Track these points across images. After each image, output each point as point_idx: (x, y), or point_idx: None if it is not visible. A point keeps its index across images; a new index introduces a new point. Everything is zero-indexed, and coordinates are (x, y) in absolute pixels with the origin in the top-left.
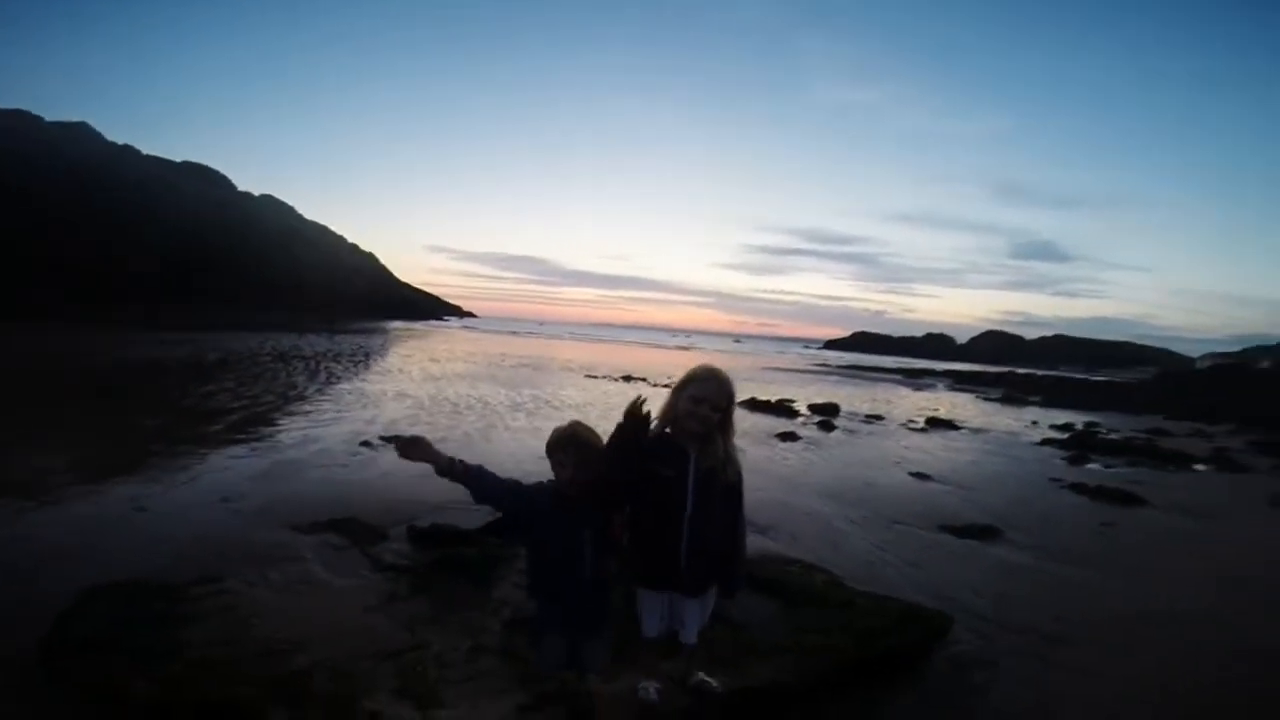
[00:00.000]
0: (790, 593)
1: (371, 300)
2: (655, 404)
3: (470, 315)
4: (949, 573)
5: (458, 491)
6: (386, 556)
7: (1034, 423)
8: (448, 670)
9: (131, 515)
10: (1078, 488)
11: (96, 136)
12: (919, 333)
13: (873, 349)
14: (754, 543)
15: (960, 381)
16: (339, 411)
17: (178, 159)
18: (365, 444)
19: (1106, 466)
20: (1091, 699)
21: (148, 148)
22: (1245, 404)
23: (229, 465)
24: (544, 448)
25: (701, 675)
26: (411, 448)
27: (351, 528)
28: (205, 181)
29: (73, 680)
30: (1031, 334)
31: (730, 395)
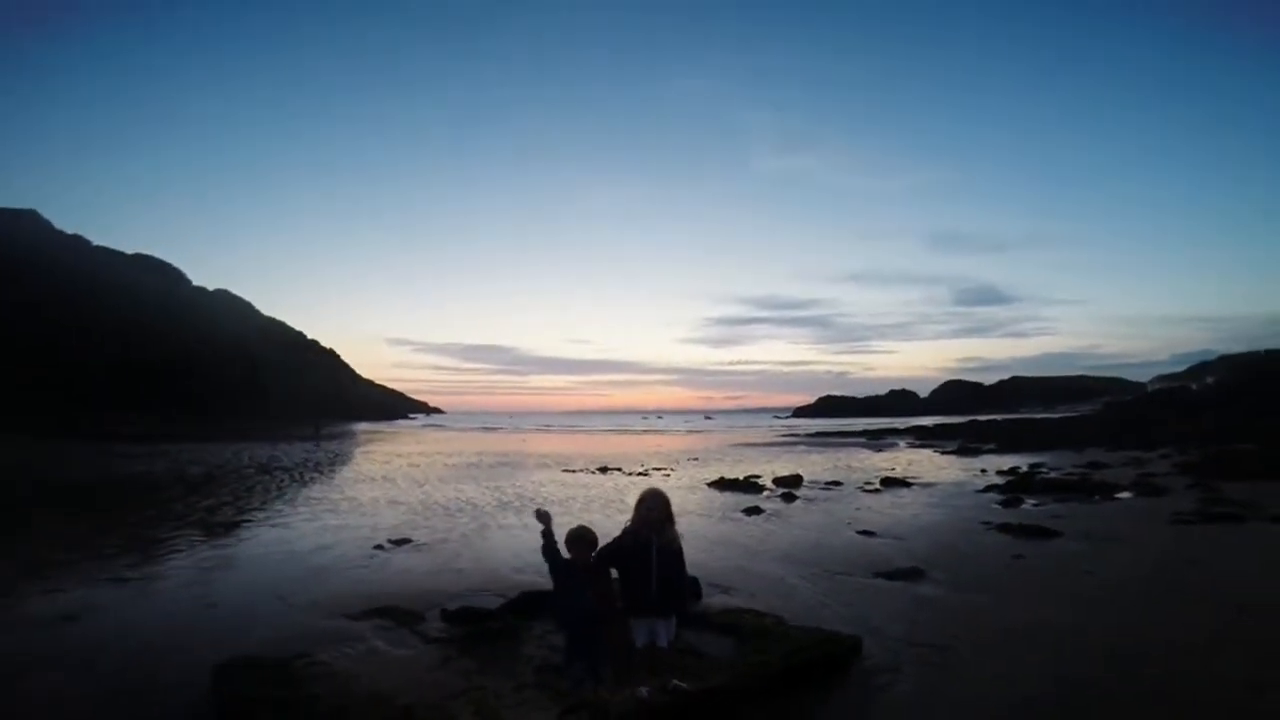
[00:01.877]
0: (743, 632)
1: (336, 402)
2: (634, 492)
3: (437, 411)
4: (875, 608)
5: (464, 583)
6: (430, 633)
7: (982, 470)
8: (503, 700)
9: (205, 610)
10: (1004, 527)
11: (45, 225)
12: (883, 390)
13: (840, 412)
14: (717, 599)
15: (921, 438)
16: (341, 521)
17: (129, 250)
18: (378, 547)
19: (1037, 505)
20: (962, 694)
21: (98, 238)
22: (1186, 423)
23: (265, 570)
24: (539, 544)
25: (676, 681)
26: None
27: (393, 614)
28: (158, 275)
29: (243, 704)
30: (990, 378)
31: (665, 504)
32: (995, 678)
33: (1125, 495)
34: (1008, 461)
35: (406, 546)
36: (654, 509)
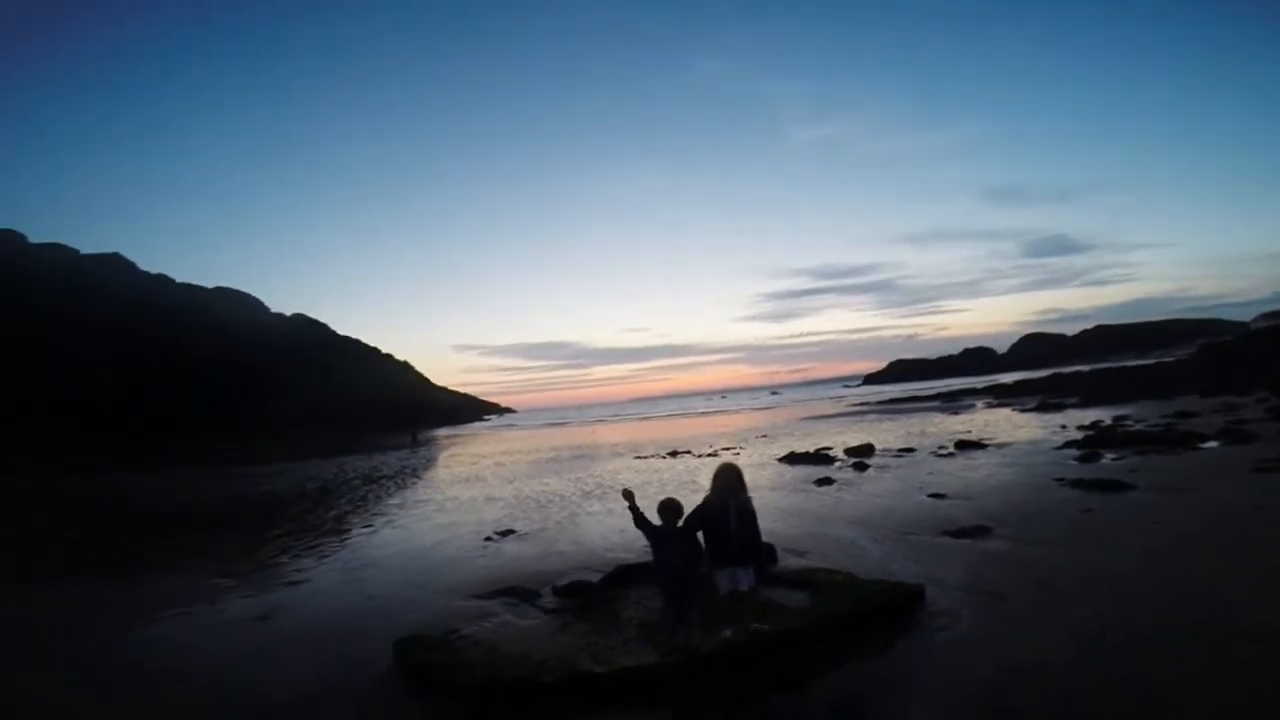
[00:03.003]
0: (816, 585)
1: (414, 409)
2: (705, 472)
3: (509, 411)
4: (940, 563)
5: (567, 563)
6: (547, 605)
7: (1062, 426)
8: (614, 651)
9: (367, 602)
10: (1077, 483)
11: (130, 266)
12: (956, 349)
13: (913, 376)
14: (793, 562)
15: (999, 396)
16: (450, 519)
17: (209, 285)
18: (488, 539)
19: (1115, 459)
20: (1013, 634)
21: (181, 275)
22: None
23: (402, 565)
24: (626, 522)
25: (757, 624)
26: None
27: (514, 592)
28: (239, 305)
29: (417, 671)
30: (1072, 329)
31: (738, 473)
32: (1045, 620)
33: (1211, 445)
34: (1090, 416)
35: (512, 536)
36: (728, 478)
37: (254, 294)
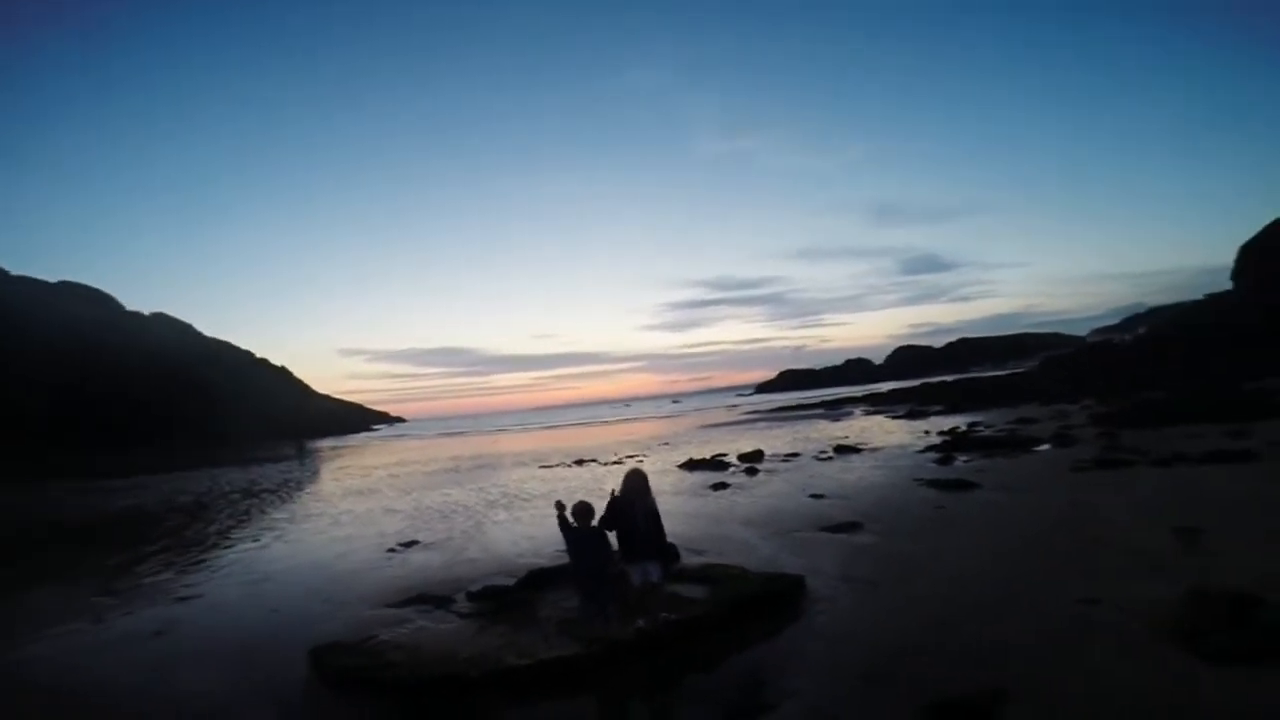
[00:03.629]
0: (713, 579)
1: (293, 419)
2: (611, 480)
3: (400, 420)
4: (819, 555)
5: (478, 570)
6: (462, 610)
7: (926, 432)
8: (536, 646)
9: (270, 615)
10: (933, 483)
11: None
12: (840, 360)
13: (801, 385)
14: (694, 560)
15: (875, 404)
16: (347, 531)
17: (52, 278)
18: (391, 550)
19: (966, 461)
20: (880, 612)
21: (16, 266)
22: (1112, 375)
23: (301, 578)
24: (535, 530)
25: (665, 614)
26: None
27: (427, 599)
28: (89, 302)
29: (339, 676)
30: (939, 341)
31: (643, 477)
32: (906, 602)
33: (1044, 448)
34: (950, 422)
35: (416, 546)
36: (635, 482)
37: (107, 290)
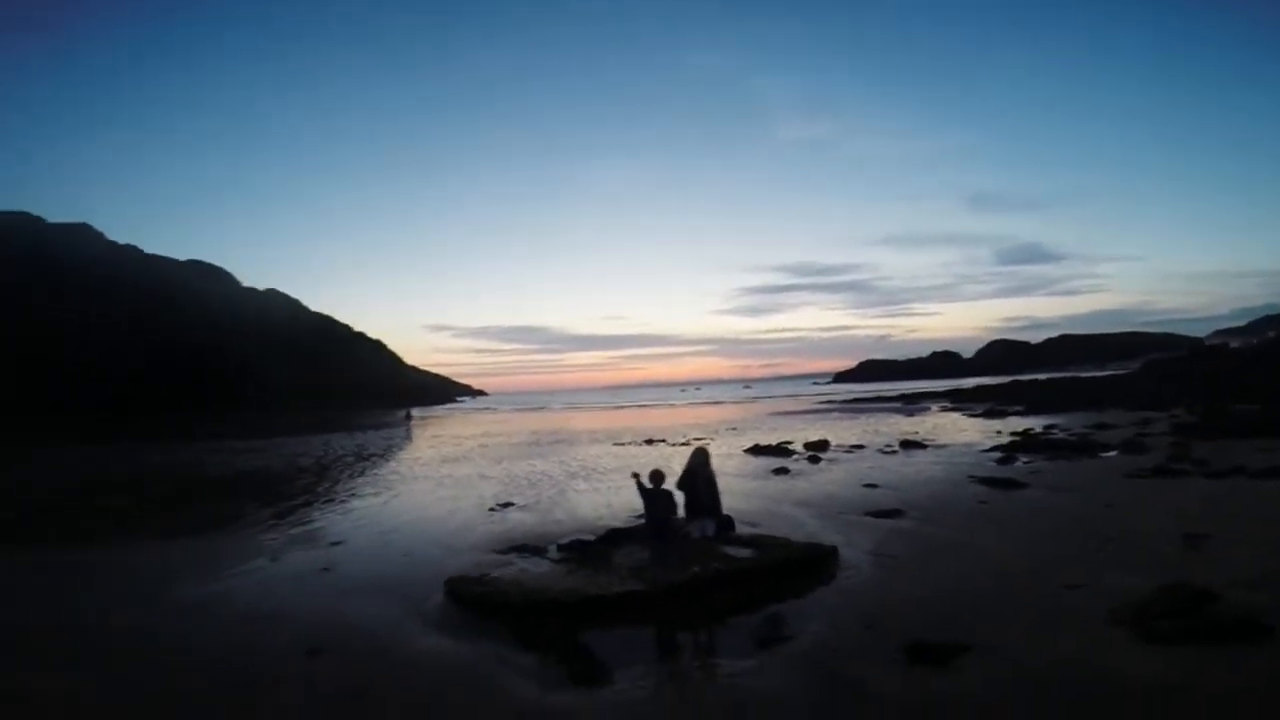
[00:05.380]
0: (760, 545)
1: (387, 388)
2: (679, 458)
3: (481, 393)
4: (858, 534)
5: (564, 528)
6: (554, 558)
7: (998, 432)
8: (612, 584)
9: (404, 558)
10: (985, 480)
11: (98, 237)
12: (926, 352)
13: (881, 376)
14: (746, 530)
15: (956, 401)
16: (452, 493)
17: (181, 257)
18: (491, 509)
19: (1027, 463)
20: (899, 581)
21: (150, 246)
22: (1217, 383)
23: (423, 530)
24: (612, 498)
25: (717, 564)
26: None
27: (524, 549)
28: (210, 279)
29: (467, 601)
30: (1038, 337)
31: (707, 454)
32: (922, 574)
33: (1110, 454)
34: (1028, 423)
35: (512, 507)
36: (699, 457)
37: (226, 268)
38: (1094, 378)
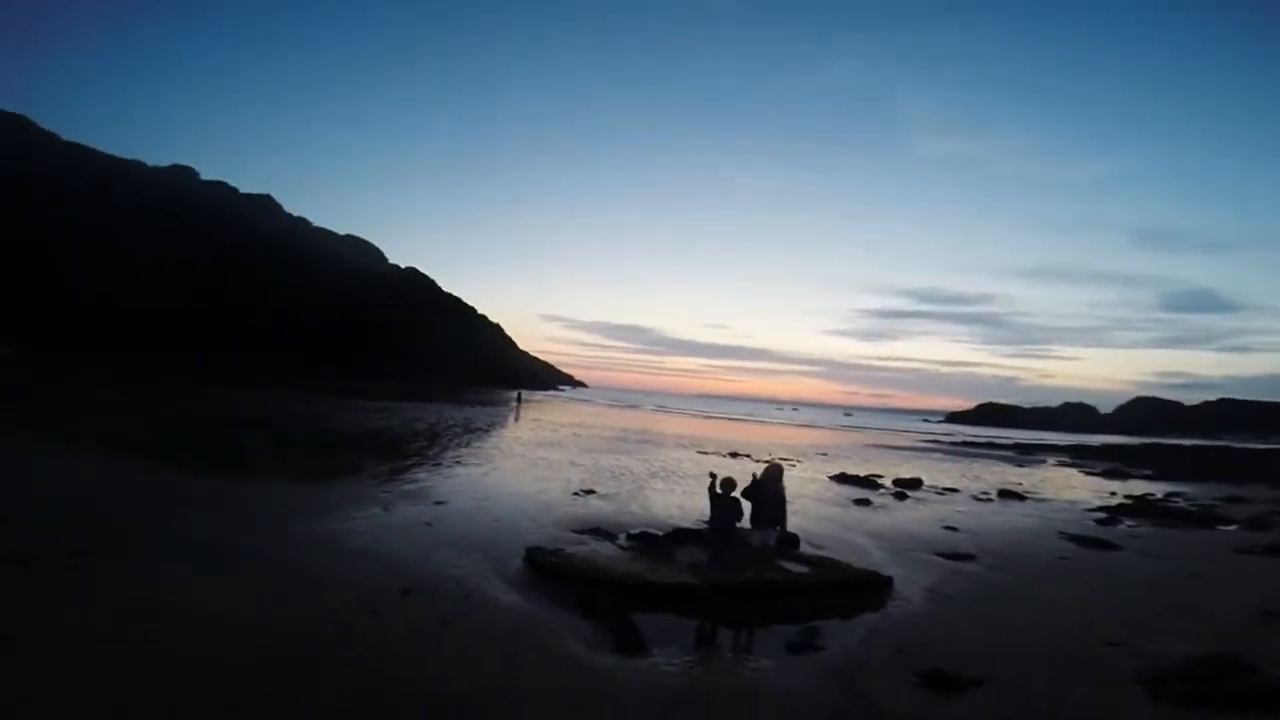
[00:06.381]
0: (818, 566)
1: (497, 369)
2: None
3: (581, 385)
4: (922, 571)
5: (637, 520)
6: (623, 545)
7: (1112, 494)
8: (669, 575)
9: (494, 524)
10: (1076, 538)
11: (278, 209)
12: (1056, 401)
13: (1000, 422)
14: (811, 550)
15: (1076, 457)
16: (544, 474)
17: (341, 231)
18: (575, 494)
19: (1132, 527)
20: (941, 616)
21: (317, 220)
22: None
23: (514, 503)
24: (685, 500)
25: (770, 574)
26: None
27: (599, 532)
28: (363, 254)
29: (542, 568)
30: (1193, 398)
31: (779, 470)
32: (969, 614)
33: (1230, 528)
34: (1150, 488)
35: (594, 495)
36: (771, 471)
37: (376, 244)
38: (1249, 449)
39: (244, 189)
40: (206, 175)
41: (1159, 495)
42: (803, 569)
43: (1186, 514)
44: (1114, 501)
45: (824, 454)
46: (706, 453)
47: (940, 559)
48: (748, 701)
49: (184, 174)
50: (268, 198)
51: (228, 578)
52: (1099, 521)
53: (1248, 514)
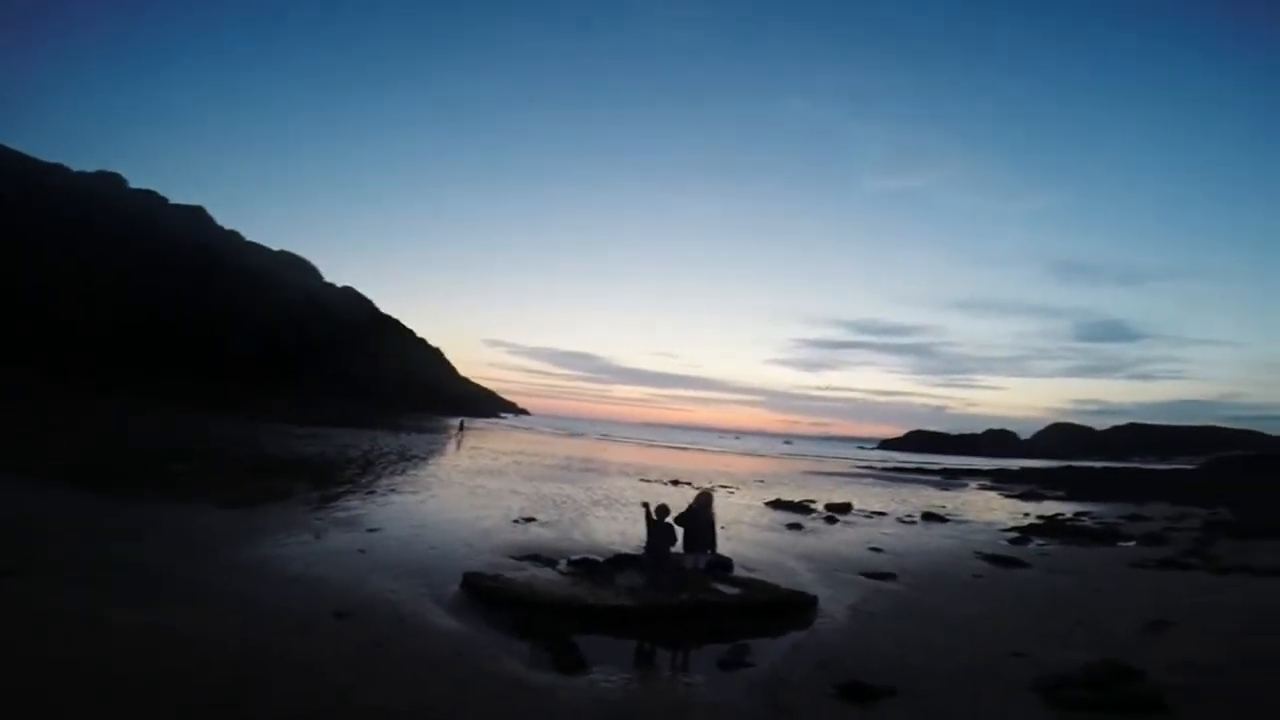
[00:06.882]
0: (749, 587)
1: (437, 395)
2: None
3: (524, 412)
4: (846, 590)
5: (577, 547)
6: (563, 570)
7: (1025, 514)
8: (608, 598)
9: (430, 551)
10: (990, 557)
11: (210, 221)
12: (981, 428)
13: (929, 448)
14: (743, 572)
15: (998, 480)
16: (483, 502)
17: (275, 246)
18: (516, 521)
19: (1040, 545)
20: (861, 632)
21: (250, 234)
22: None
23: (452, 530)
24: (626, 526)
25: (703, 595)
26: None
27: (539, 558)
28: (298, 271)
29: (480, 593)
30: (1104, 423)
31: (709, 497)
32: (887, 630)
33: (1129, 544)
34: (1061, 509)
35: (535, 523)
36: (703, 498)
37: (312, 261)
38: (1153, 470)
39: (175, 199)
40: (135, 183)
41: (1069, 515)
42: (735, 590)
43: (1091, 532)
44: (1026, 522)
45: (762, 481)
46: (649, 480)
47: (864, 579)
48: (681, 715)
49: (110, 181)
50: (200, 209)
51: (157, 600)
52: (1012, 541)
53: (1145, 531)
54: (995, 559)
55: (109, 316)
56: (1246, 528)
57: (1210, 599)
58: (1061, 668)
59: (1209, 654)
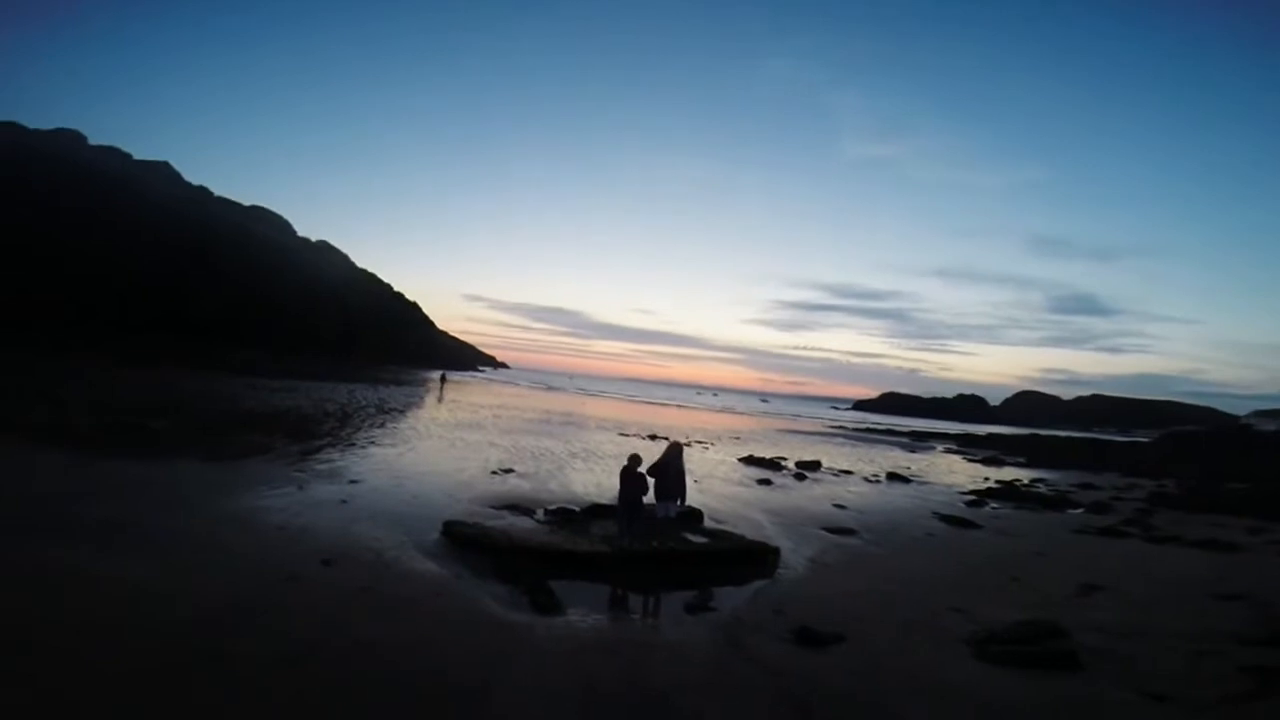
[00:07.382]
0: (716, 537)
1: (415, 349)
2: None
3: (504, 366)
4: (807, 543)
5: (554, 497)
6: (540, 519)
7: (986, 479)
8: (583, 544)
9: (413, 499)
10: (945, 518)
11: (177, 177)
12: (952, 392)
13: (902, 410)
14: (711, 524)
15: (963, 445)
16: (462, 454)
17: (246, 201)
18: (494, 472)
19: (995, 508)
20: (818, 581)
21: (220, 190)
22: (1233, 464)
23: (433, 481)
24: (604, 479)
25: (672, 544)
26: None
27: (517, 508)
28: (270, 226)
29: (460, 540)
30: (1070, 393)
31: (680, 449)
32: (842, 579)
33: (1076, 511)
34: (1020, 474)
35: (512, 474)
36: (673, 450)
37: (284, 215)
38: (1111, 441)
39: (139, 155)
40: (96, 140)
41: (1025, 481)
42: (703, 540)
43: (1044, 498)
44: (984, 486)
45: (737, 438)
46: (627, 434)
47: (826, 533)
48: (648, 651)
49: (71, 138)
50: (165, 164)
51: (142, 553)
52: (968, 503)
53: (1094, 499)
54: (950, 519)
55: (74, 274)
56: (1187, 501)
57: (1140, 565)
58: (994, 624)
59: (1127, 618)
